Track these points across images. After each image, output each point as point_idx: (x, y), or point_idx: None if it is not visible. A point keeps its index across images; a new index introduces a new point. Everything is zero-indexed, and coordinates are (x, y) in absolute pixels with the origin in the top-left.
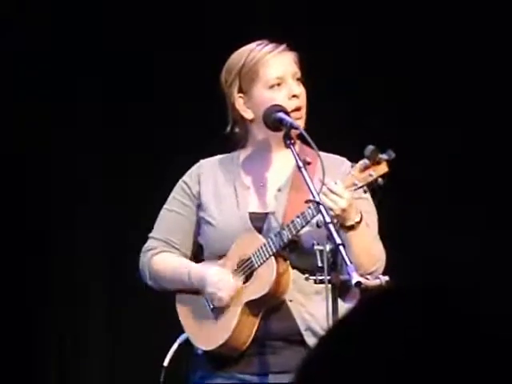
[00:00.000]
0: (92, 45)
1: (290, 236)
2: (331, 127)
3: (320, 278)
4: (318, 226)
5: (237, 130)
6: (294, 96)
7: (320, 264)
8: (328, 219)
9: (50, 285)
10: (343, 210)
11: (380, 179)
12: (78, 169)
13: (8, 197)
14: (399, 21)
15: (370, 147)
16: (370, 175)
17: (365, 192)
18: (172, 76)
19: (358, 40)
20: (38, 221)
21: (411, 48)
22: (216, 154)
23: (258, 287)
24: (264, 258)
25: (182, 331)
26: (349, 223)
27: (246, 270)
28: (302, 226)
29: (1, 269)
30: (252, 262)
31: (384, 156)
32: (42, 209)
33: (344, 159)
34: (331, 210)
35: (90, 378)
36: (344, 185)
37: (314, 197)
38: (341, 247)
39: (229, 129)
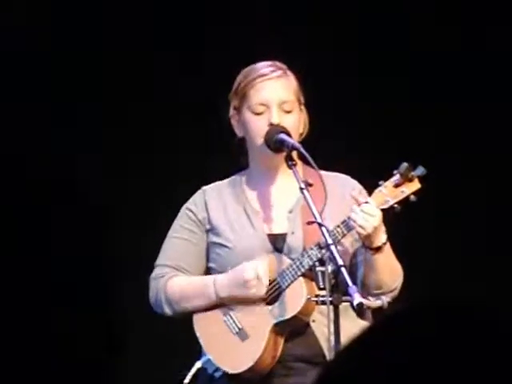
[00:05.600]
0: (92, 45)
1: (319, 255)
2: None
3: (322, 299)
4: (320, 247)
5: (240, 147)
6: (271, 125)
7: (322, 285)
8: (330, 240)
9: (48, 285)
10: (374, 228)
11: (412, 196)
12: (78, 169)
13: (8, 197)
14: (402, 20)
15: (404, 164)
16: (403, 192)
17: (393, 209)
18: (172, 76)
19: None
20: (37, 221)
21: (413, 48)
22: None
23: (288, 308)
24: (292, 279)
25: (189, 353)
26: (376, 244)
27: (273, 292)
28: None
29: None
30: (278, 283)
31: (417, 172)
32: (42, 209)
33: (347, 177)
34: (362, 228)
35: None
36: (375, 202)
37: (315, 218)
38: (342, 269)
39: (235, 143)
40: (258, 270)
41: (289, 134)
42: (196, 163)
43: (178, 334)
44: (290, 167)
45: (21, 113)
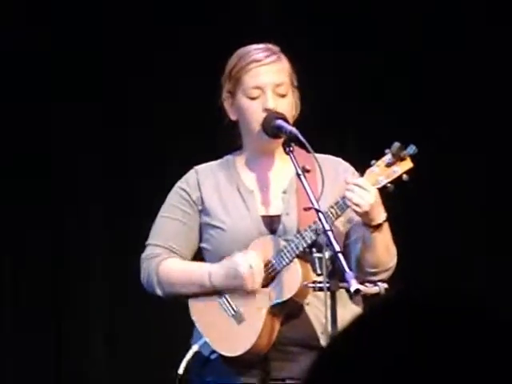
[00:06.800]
0: (92, 45)
1: (313, 237)
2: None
3: (319, 285)
4: (317, 233)
5: (231, 128)
6: (266, 110)
7: (319, 271)
8: (327, 226)
9: (50, 284)
10: (371, 206)
11: (405, 175)
12: (78, 169)
13: (9, 197)
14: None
15: (396, 144)
16: (395, 171)
17: (386, 188)
18: (172, 76)
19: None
20: (38, 221)
21: (415, 46)
22: (216, 153)
23: (284, 290)
24: (287, 261)
25: (183, 337)
26: (376, 222)
27: (268, 274)
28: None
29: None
30: (273, 265)
31: (409, 151)
32: (43, 209)
33: (339, 159)
34: (358, 206)
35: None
36: (368, 182)
37: (313, 204)
38: (339, 255)
39: (225, 125)
40: (251, 264)
41: (286, 120)
42: (196, 163)
43: (169, 318)
44: (287, 153)
45: (21, 113)
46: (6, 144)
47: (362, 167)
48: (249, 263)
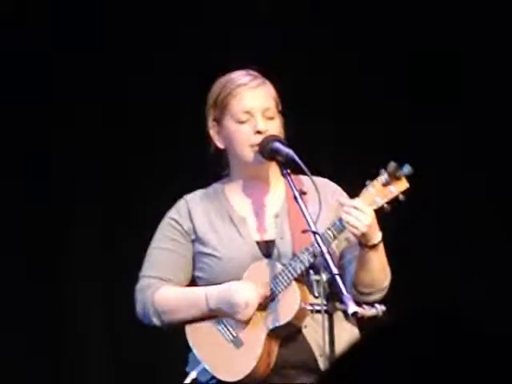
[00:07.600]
0: (92, 44)
1: (311, 260)
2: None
3: (317, 308)
4: (314, 255)
5: (216, 157)
6: (258, 132)
7: (316, 294)
8: (324, 249)
9: (50, 284)
10: (368, 227)
11: (401, 195)
12: (78, 169)
13: (8, 197)
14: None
15: (393, 164)
16: (391, 191)
17: (382, 209)
18: (172, 76)
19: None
20: (38, 221)
21: (413, 50)
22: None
23: (283, 313)
24: (285, 284)
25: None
26: (372, 242)
27: (266, 297)
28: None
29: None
30: (271, 289)
31: (404, 171)
32: (43, 209)
33: (326, 180)
34: (356, 228)
35: None
36: (364, 202)
37: (310, 227)
38: (337, 277)
39: (210, 154)
40: (249, 301)
41: (283, 142)
42: (196, 163)
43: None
44: (284, 176)
45: (21, 113)
46: (6, 144)
47: (359, 165)
48: (246, 299)
